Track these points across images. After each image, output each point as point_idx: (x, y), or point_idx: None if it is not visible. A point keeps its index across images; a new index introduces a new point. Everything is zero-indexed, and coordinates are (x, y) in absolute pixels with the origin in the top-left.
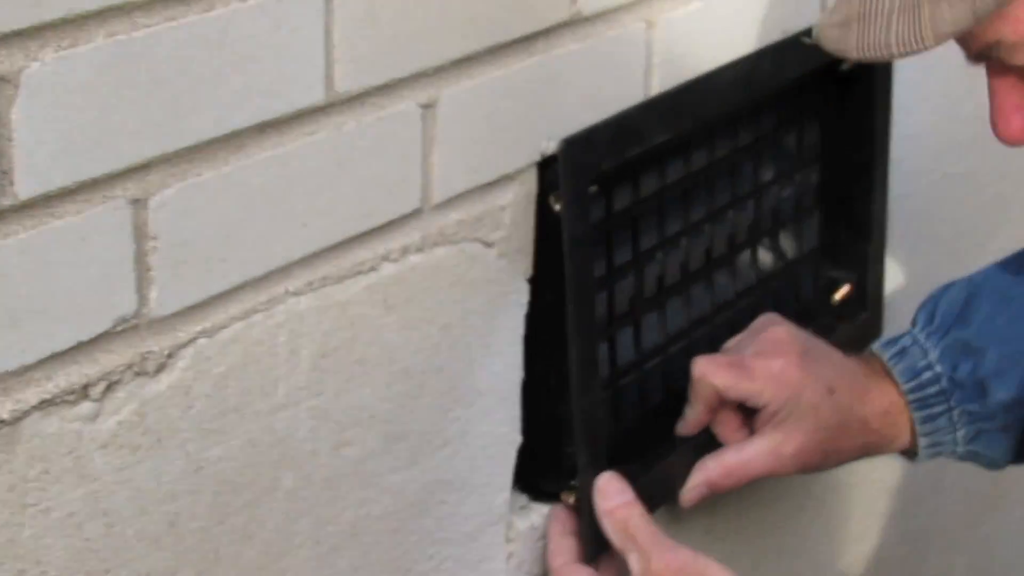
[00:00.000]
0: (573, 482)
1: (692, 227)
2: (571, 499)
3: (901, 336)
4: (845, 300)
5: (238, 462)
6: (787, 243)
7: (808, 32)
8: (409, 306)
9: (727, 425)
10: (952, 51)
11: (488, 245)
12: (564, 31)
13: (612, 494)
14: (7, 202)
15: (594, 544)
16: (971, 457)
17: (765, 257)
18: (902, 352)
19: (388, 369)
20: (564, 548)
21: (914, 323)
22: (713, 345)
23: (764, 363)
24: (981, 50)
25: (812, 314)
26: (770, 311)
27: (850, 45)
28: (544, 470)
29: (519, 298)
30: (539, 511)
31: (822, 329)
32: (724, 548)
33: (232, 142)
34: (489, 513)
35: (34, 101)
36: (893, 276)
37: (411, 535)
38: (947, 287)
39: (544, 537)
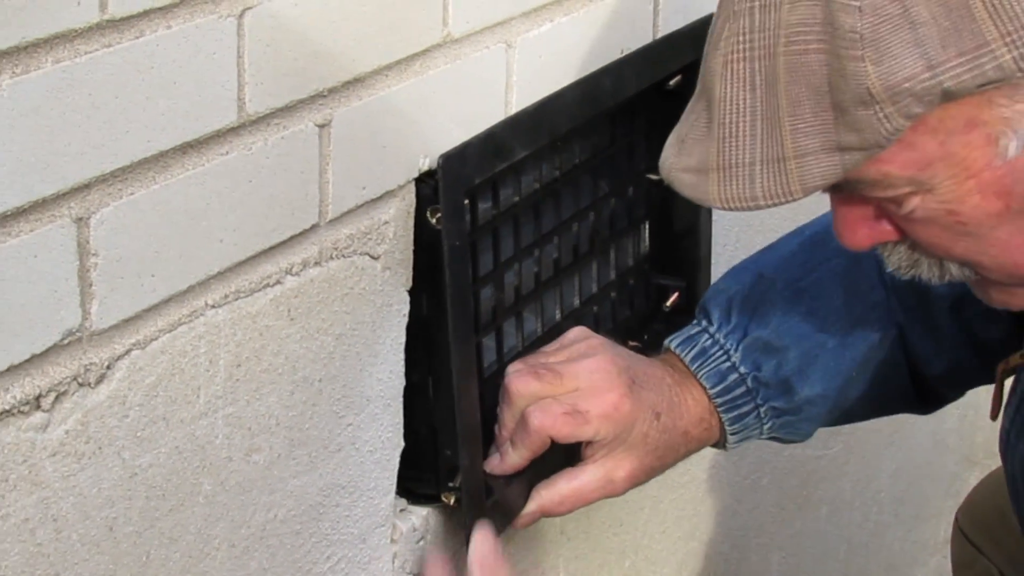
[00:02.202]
0: (452, 483)
1: (543, 237)
2: (451, 500)
3: (697, 334)
4: (676, 306)
5: (165, 468)
6: (621, 253)
7: (654, 167)
8: (309, 317)
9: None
10: None
11: (375, 258)
12: (437, 53)
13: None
14: None
15: None
16: (774, 439)
17: (604, 266)
18: (703, 353)
19: (292, 377)
20: None
21: (707, 318)
22: None
23: (598, 402)
24: (837, 185)
25: (646, 321)
26: (606, 320)
27: (711, 195)
28: (422, 474)
29: (400, 308)
30: (418, 513)
31: (655, 335)
32: (574, 547)
33: (159, 162)
34: (376, 516)
35: None
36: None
37: (311, 537)
38: (735, 275)
39: (423, 538)
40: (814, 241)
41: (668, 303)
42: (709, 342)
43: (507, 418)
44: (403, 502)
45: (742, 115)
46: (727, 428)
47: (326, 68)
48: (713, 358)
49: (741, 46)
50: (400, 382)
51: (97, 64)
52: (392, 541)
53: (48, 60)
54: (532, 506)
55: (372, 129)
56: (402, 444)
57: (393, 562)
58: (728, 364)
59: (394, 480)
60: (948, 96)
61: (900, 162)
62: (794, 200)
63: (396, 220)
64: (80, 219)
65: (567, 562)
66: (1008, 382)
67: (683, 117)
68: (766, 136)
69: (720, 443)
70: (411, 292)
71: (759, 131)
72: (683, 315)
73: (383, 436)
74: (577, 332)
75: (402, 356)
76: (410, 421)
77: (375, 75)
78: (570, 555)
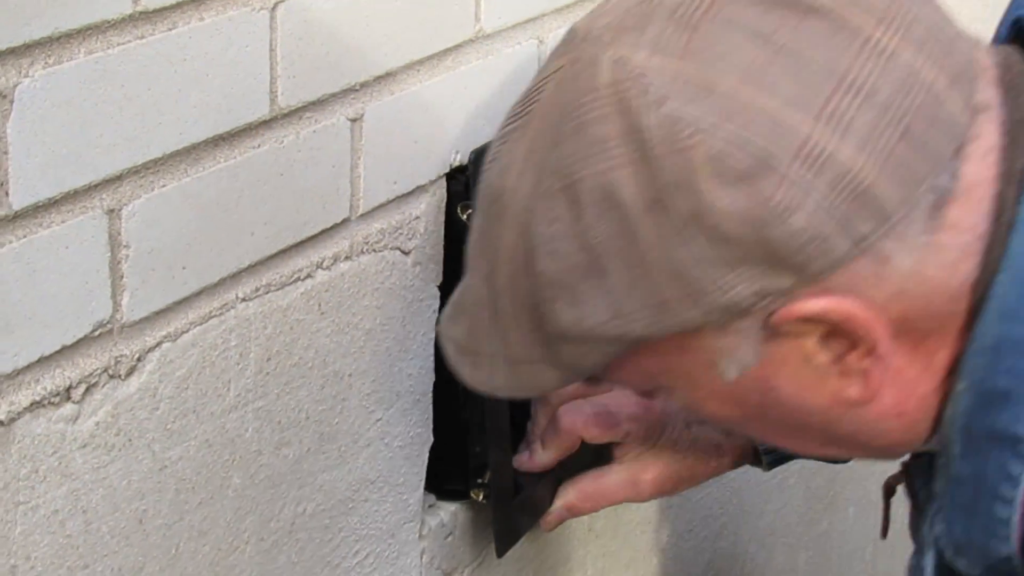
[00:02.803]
0: (481, 480)
1: None
2: (480, 496)
3: None
4: None
5: (195, 462)
6: None
7: None
8: (339, 311)
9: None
10: None
11: (405, 253)
12: (469, 48)
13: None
14: (3, 212)
15: (506, 537)
16: (813, 459)
17: None
18: None
19: (322, 372)
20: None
21: None
22: None
23: (628, 404)
24: None
25: None
26: None
27: (464, 375)
28: (451, 470)
29: (431, 303)
30: (447, 509)
31: None
32: (602, 544)
33: (191, 154)
34: (405, 511)
35: (26, 116)
36: None
37: (340, 532)
38: None
39: (452, 534)
40: None
41: None
42: None
43: (541, 416)
44: (431, 498)
45: (481, 308)
46: (760, 447)
47: (358, 62)
48: None
49: (479, 244)
50: (430, 377)
51: (130, 56)
52: (420, 537)
53: (81, 51)
54: (558, 503)
55: (404, 124)
56: (431, 440)
57: (421, 558)
58: None
59: (423, 476)
60: (643, 343)
61: (626, 375)
62: (528, 396)
63: (427, 215)
64: (112, 211)
65: (595, 559)
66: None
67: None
68: (498, 336)
69: (757, 462)
70: (441, 288)
71: (494, 329)
72: None
73: (412, 431)
74: None
75: (432, 352)
76: (439, 417)
77: (407, 70)
78: (598, 552)
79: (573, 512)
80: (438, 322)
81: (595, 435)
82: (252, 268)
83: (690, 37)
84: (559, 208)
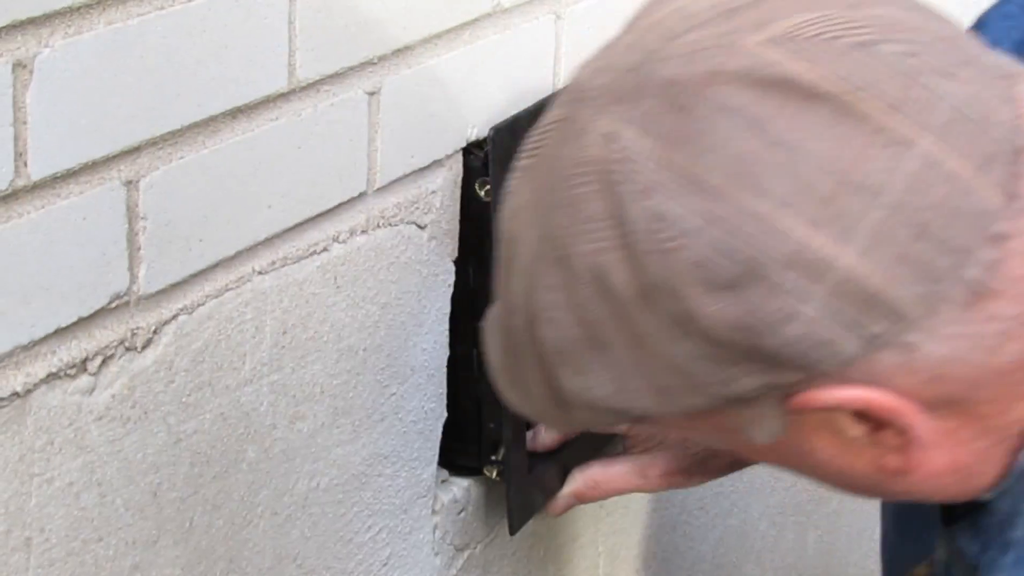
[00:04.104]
0: (494, 457)
1: None
2: (493, 473)
3: None
4: None
5: (210, 435)
6: None
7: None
8: (355, 285)
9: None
10: None
11: (421, 227)
12: (486, 23)
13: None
14: (21, 183)
15: (519, 513)
16: None
17: None
18: None
19: (337, 346)
20: None
21: None
22: None
23: None
24: None
25: None
26: None
27: (504, 387)
28: (464, 446)
29: (446, 279)
30: (460, 485)
31: None
32: (613, 522)
33: (209, 126)
34: (418, 486)
35: (45, 86)
36: None
37: (353, 507)
38: None
39: (464, 510)
40: None
41: None
42: None
43: None
44: (445, 473)
45: (504, 351)
46: None
47: (376, 36)
48: None
49: (500, 276)
50: (444, 353)
51: (149, 27)
52: (433, 512)
53: (100, 22)
54: (566, 489)
55: (421, 98)
56: (445, 415)
57: (434, 533)
58: None
59: (436, 451)
60: (652, 417)
61: (649, 431)
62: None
63: (443, 190)
64: (130, 182)
65: (605, 536)
66: None
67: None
68: (521, 374)
69: None
70: (456, 263)
71: (518, 366)
72: None
73: (426, 407)
74: None
75: (447, 327)
76: (453, 392)
77: (425, 44)
78: (608, 530)
79: (581, 499)
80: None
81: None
82: (268, 241)
83: (681, 121)
84: (556, 278)
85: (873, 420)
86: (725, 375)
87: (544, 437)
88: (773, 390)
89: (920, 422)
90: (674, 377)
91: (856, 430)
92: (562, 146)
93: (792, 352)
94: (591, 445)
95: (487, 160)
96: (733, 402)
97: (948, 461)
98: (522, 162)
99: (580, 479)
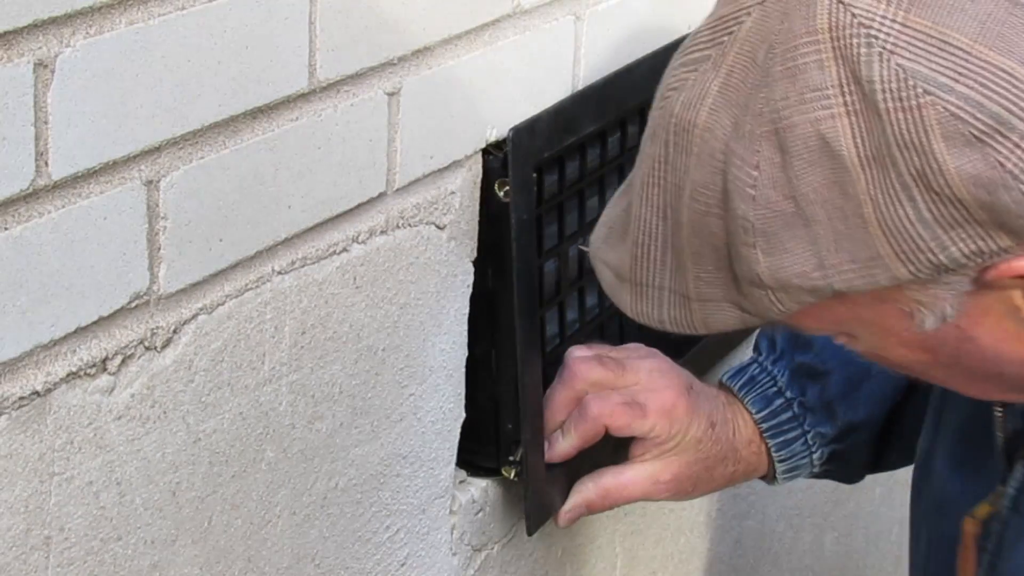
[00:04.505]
0: (512, 457)
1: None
2: (511, 473)
3: (748, 365)
4: None
5: (229, 435)
6: None
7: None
8: (374, 286)
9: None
10: None
11: (440, 228)
12: (506, 24)
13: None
14: (43, 182)
15: (537, 514)
16: (825, 475)
17: None
18: (752, 381)
19: (356, 346)
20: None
21: (758, 350)
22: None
23: (656, 397)
24: None
25: None
26: None
27: (624, 303)
28: (482, 446)
29: (465, 279)
30: (478, 485)
31: None
32: (631, 522)
33: (230, 126)
34: (436, 486)
35: (66, 85)
36: None
37: (371, 506)
38: None
39: (482, 510)
40: None
41: None
42: (758, 370)
43: (562, 399)
44: (463, 474)
45: (654, 240)
46: (774, 456)
47: (396, 37)
48: (760, 384)
49: (656, 173)
50: (463, 353)
51: (170, 27)
52: (451, 513)
53: (122, 22)
54: (576, 498)
55: (440, 99)
56: (463, 415)
57: (452, 533)
58: (775, 389)
59: (455, 451)
60: (840, 294)
61: (811, 321)
62: (698, 333)
63: (462, 190)
64: (150, 182)
65: (623, 537)
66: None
67: (613, 200)
68: (673, 270)
69: (770, 475)
70: (475, 263)
71: (668, 262)
72: None
73: (445, 407)
74: (637, 344)
75: (465, 327)
76: (471, 393)
77: (444, 45)
78: (626, 530)
79: (591, 508)
80: (584, 243)
81: (622, 425)
82: (288, 241)
83: None
84: (764, 152)
85: None
86: (943, 238)
87: (562, 444)
88: (979, 258)
89: None
90: (888, 244)
91: None
92: (773, 24)
93: (1020, 210)
94: (603, 456)
95: (506, 161)
96: (936, 271)
97: None
98: (691, 54)
99: (591, 487)
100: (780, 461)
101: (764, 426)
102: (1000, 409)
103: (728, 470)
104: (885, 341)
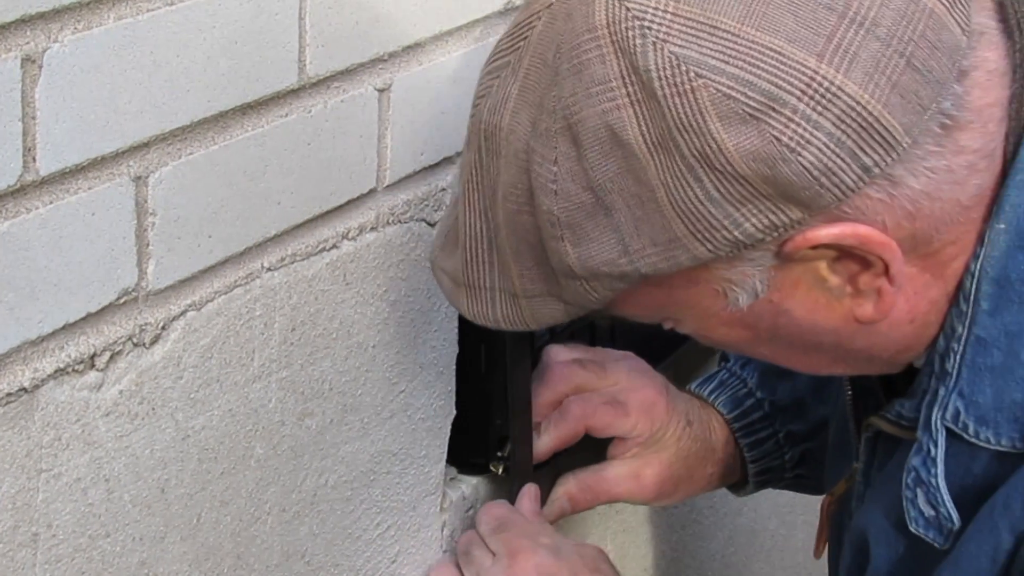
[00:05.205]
0: (500, 453)
1: None
2: (499, 469)
3: (716, 372)
4: None
5: (218, 431)
6: None
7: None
8: (364, 282)
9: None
10: None
11: (431, 224)
12: (497, 20)
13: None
14: (30, 178)
15: None
16: (796, 482)
17: None
18: (721, 385)
19: (346, 343)
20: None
21: (725, 358)
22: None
23: (636, 396)
24: None
25: None
26: None
27: (462, 307)
28: (473, 443)
29: None
30: (468, 482)
31: None
32: (623, 520)
33: (219, 122)
34: (426, 484)
35: (54, 81)
36: None
37: (361, 504)
38: None
39: (473, 508)
40: None
41: None
42: (727, 375)
43: (544, 401)
44: (453, 471)
45: (480, 243)
46: (746, 455)
47: (387, 32)
48: (730, 387)
49: (475, 178)
50: (454, 350)
51: (159, 22)
52: (442, 510)
53: (110, 17)
54: (558, 492)
55: (431, 95)
56: (454, 413)
57: (442, 531)
58: (745, 391)
59: (445, 448)
60: (650, 278)
61: (633, 308)
62: (531, 329)
63: (453, 187)
64: (139, 178)
65: (615, 535)
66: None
67: (447, 209)
68: (499, 270)
69: (742, 481)
70: None
71: (495, 263)
72: None
73: (435, 404)
74: (615, 351)
75: (456, 324)
76: (462, 390)
77: (435, 41)
78: (618, 528)
79: (573, 504)
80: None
81: (604, 424)
82: (278, 238)
83: None
84: (561, 147)
85: (856, 260)
86: (735, 215)
87: (538, 443)
88: (774, 232)
89: (899, 261)
90: (683, 225)
91: (836, 278)
92: (559, 24)
93: (801, 183)
94: (583, 456)
95: None
96: (734, 248)
97: (908, 310)
98: (495, 62)
99: (574, 483)
100: (752, 461)
101: (736, 425)
102: (849, 390)
103: (707, 471)
104: (706, 322)
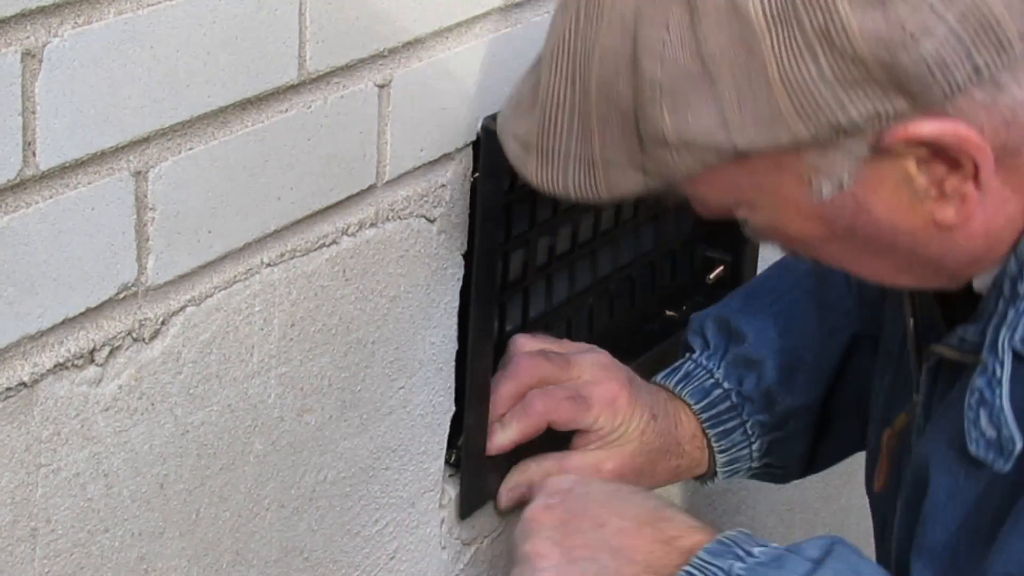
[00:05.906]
0: (459, 442)
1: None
2: (452, 457)
3: (682, 363)
4: (719, 280)
5: (217, 427)
6: (667, 224)
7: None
8: (364, 278)
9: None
10: None
11: (431, 221)
12: (497, 16)
13: None
14: (30, 172)
15: (470, 498)
16: (764, 471)
17: (646, 234)
18: (687, 376)
19: (345, 338)
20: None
21: (691, 348)
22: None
23: (600, 390)
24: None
25: (687, 292)
26: (644, 287)
27: (529, 172)
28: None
29: (455, 272)
30: None
31: (695, 307)
32: None
33: (219, 117)
34: (426, 480)
35: (54, 76)
36: (768, 258)
37: (360, 500)
38: (710, 311)
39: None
40: (782, 267)
41: (711, 276)
42: (693, 366)
43: (506, 392)
44: (451, 468)
45: (561, 108)
46: (714, 446)
47: (387, 28)
48: (696, 378)
49: (566, 43)
50: (453, 346)
51: (159, 17)
52: (441, 506)
53: (110, 12)
54: (517, 477)
55: (431, 91)
56: (453, 409)
57: (441, 527)
58: (712, 381)
59: (444, 445)
60: (743, 154)
61: (710, 188)
62: (601, 200)
63: (453, 183)
64: (139, 173)
65: None
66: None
67: (521, 78)
68: (579, 136)
69: (710, 472)
70: (466, 256)
71: (575, 128)
72: (725, 289)
73: (434, 400)
74: (580, 343)
75: (455, 320)
76: (461, 386)
77: (435, 37)
78: None
79: (533, 491)
80: (494, 118)
81: (566, 419)
82: (278, 233)
83: None
84: (675, 13)
85: (945, 162)
86: (843, 98)
87: (500, 436)
88: (876, 121)
89: (990, 166)
90: (789, 102)
91: (923, 178)
92: None
93: (915, 72)
94: (544, 449)
95: (477, 154)
96: (834, 132)
97: (985, 220)
98: None
99: (535, 469)
100: (720, 452)
101: (703, 416)
102: (911, 318)
103: (671, 464)
104: (783, 212)
